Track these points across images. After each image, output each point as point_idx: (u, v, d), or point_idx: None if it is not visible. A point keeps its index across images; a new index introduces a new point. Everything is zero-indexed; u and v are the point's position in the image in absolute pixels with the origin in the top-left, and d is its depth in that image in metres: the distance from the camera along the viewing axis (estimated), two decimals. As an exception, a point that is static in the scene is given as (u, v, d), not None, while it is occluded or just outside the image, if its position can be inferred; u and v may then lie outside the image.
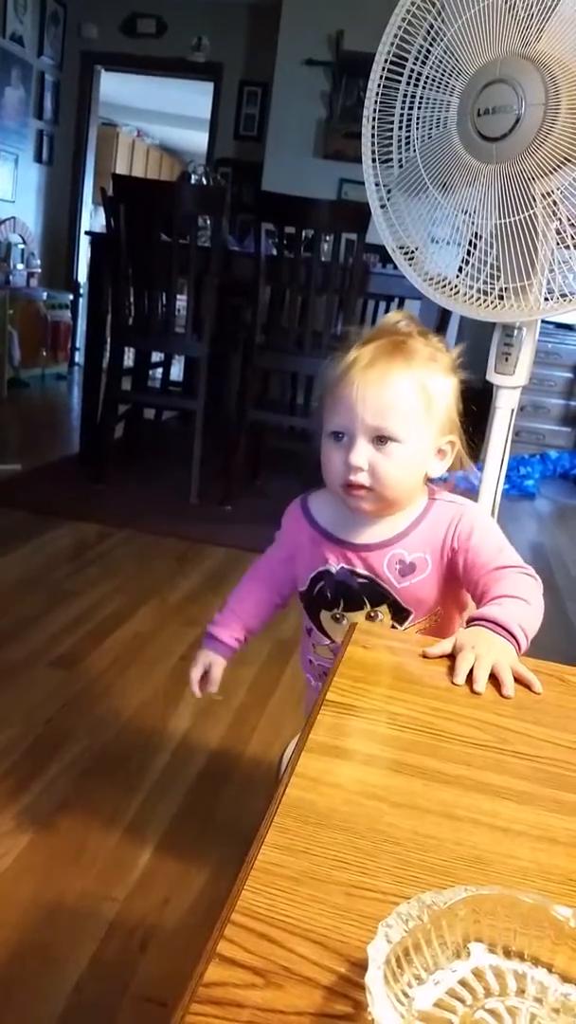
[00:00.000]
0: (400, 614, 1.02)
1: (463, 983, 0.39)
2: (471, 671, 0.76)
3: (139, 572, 2.69)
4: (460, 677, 0.75)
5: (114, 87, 7.18)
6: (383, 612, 1.02)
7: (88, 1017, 1.12)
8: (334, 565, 1.03)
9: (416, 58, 1.45)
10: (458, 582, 1.01)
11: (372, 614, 1.02)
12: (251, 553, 2.81)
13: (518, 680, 0.76)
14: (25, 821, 1.45)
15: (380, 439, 0.95)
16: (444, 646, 0.80)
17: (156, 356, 4.22)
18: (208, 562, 2.83)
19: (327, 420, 0.98)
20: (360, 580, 1.02)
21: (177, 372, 4.87)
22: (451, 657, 0.79)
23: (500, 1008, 0.38)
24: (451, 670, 0.77)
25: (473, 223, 1.43)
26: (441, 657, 0.79)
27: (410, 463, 0.96)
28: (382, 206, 1.54)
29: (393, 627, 1.02)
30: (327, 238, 3.29)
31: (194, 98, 6.94)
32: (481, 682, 0.75)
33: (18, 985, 1.15)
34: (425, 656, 0.80)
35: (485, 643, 0.79)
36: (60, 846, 1.41)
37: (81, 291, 6.57)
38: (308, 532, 1.07)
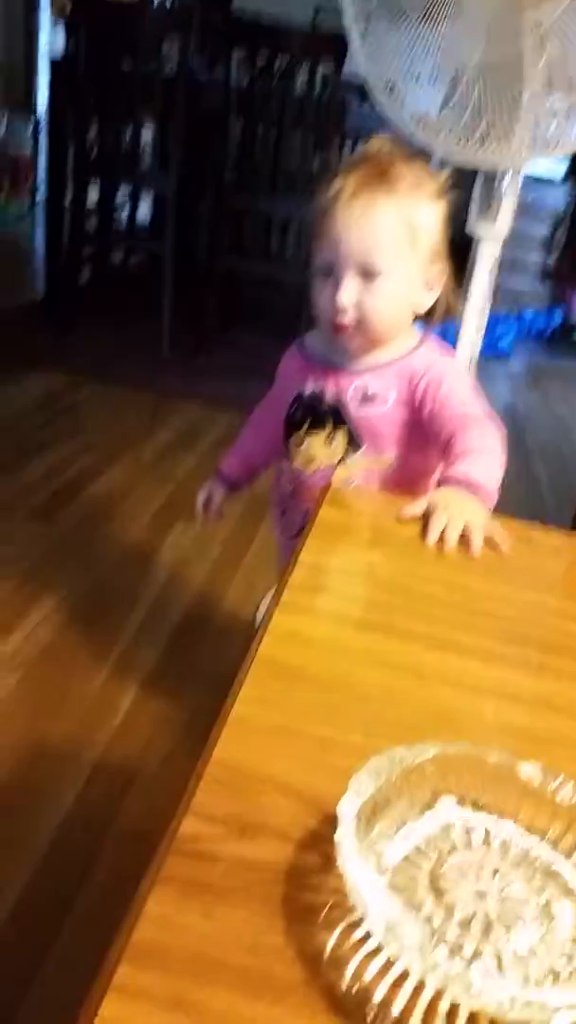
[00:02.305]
0: (353, 443, 1.05)
1: (430, 839, 0.41)
2: (443, 531, 0.77)
3: (111, 426, 2.65)
4: (432, 538, 0.76)
5: None
6: (340, 437, 1.05)
7: (73, 852, 1.18)
8: (308, 389, 1.07)
9: None
10: (423, 436, 1.02)
11: (331, 436, 1.06)
12: (225, 408, 2.79)
13: (487, 541, 0.77)
14: (8, 666, 1.49)
15: (366, 273, 0.96)
16: (417, 508, 0.81)
17: (121, 197, 4.00)
18: (181, 417, 2.79)
19: (316, 254, 0.99)
20: (326, 405, 1.06)
21: (144, 216, 4.64)
22: (424, 518, 0.80)
23: (465, 862, 0.40)
24: (424, 530, 0.78)
25: (458, 57, 1.34)
26: (413, 518, 0.80)
27: (397, 296, 0.99)
28: (361, 35, 1.43)
29: (342, 459, 1.06)
30: (302, 68, 3.07)
31: None
32: (452, 542, 0.76)
33: (2, 823, 1.21)
34: (399, 518, 0.80)
35: (457, 504, 0.80)
36: (44, 691, 1.46)
37: (40, 123, 6.16)
38: (297, 361, 1.11)
